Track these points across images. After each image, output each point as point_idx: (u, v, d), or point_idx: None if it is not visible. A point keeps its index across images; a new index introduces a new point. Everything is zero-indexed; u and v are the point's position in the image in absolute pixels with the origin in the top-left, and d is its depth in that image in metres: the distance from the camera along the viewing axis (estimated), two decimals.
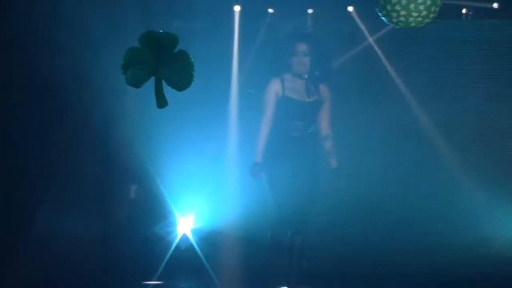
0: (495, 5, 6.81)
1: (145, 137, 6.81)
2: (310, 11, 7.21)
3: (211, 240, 7.09)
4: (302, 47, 5.95)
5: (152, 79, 3.71)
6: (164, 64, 3.64)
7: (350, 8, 7.11)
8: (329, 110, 6.03)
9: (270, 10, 7.29)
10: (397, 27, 4.43)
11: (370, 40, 7.03)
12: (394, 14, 4.33)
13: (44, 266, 6.03)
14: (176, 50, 3.69)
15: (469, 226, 6.96)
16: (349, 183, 6.33)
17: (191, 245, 7.01)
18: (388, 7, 4.34)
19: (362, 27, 7.05)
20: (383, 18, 4.44)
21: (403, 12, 4.29)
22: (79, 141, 6.49)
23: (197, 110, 7.10)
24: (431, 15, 4.35)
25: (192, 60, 3.66)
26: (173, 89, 3.78)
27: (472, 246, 6.97)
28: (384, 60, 7.01)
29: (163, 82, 3.71)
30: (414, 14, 4.28)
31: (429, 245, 6.94)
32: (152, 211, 7.07)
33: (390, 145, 7.01)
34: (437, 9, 4.38)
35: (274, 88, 5.99)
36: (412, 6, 4.26)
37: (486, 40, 6.95)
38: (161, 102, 3.69)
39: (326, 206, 6.58)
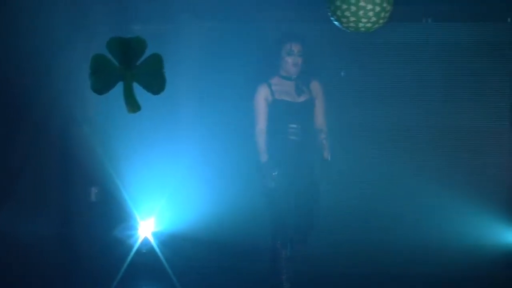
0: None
1: (106, 139, 6.75)
2: None
3: (172, 243, 7.06)
4: (297, 47, 5.89)
5: (120, 84, 3.70)
6: (137, 69, 3.63)
7: None
8: (323, 106, 5.97)
9: None
10: (348, 31, 4.47)
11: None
12: (344, 20, 4.38)
13: (1, 267, 5.94)
14: (146, 54, 3.68)
15: (428, 227, 6.97)
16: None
17: (152, 248, 6.96)
18: (338, 13, 4.39)
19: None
20: (335, 22, 4.48)
21: (352, 18, 4.35)
22: (40, 143, 6.42)
23: (158, 112, 7.05)
24: (381, 21, 4.41)
25: (162, 63, 3.65)
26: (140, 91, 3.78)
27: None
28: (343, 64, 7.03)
29: (135, 87, 3.71)
30: (364, 20, 4.34)
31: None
32: (113, 214, 7.01)
33: (350, 147, 7.02)
34: (387, 14, 4.44)
35: (263, 94, 5.91)
36: (361, 12, 4.31)
37: (446, 43, 6.98)
38: (133, 106, 3.67)
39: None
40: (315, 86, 5.96)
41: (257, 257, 6.43)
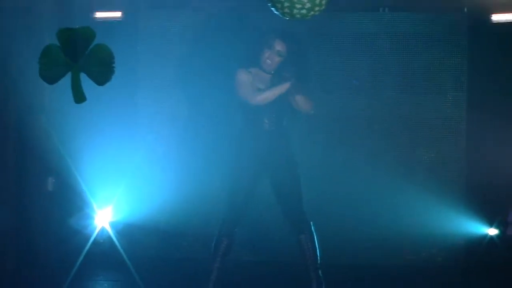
0: None
1: (63, 128, 6.70)
2: None
3: (129, 233, 7.04)
4: (279, 45, 5.78)
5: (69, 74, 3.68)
6: (83, 59, 3.61)
7: None
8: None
9: None
10: (286, 18, 4.33)
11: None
12: (279, 5, 4.24)
13: None
14: (94, 44, 3.66)
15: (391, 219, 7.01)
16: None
17: (109, 238, 6.94)
18: None
19: None
20: (272, 8, 4.36)
21: (286, 4, 4.20)
22: None
23: (116, 100, 7.02)
24: (317, 8, 4.25)
25: (112, 53, 3.63)
26: (93, 83, 3.76)
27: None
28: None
29: (83, 78, 3.69)
30: (298, 6, 4.19)
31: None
32: (69, 204, 6.97)
33: (308, 137, 7.02)
34: (323, 1, 4.31)
35: (244, 75, 5.78)
36: None
37: (402, 33, 6.99)
38: (79, 97, 3.65)
39: None
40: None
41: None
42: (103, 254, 6.96)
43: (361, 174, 7.00)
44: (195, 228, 7.05)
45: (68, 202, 6.95)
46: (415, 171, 7.02)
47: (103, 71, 3.59)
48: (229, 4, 7.03)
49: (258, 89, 5.77)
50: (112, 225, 6.99)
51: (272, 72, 5.79)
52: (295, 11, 4.25)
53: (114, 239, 6.88)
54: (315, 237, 5.81)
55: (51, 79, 3.64)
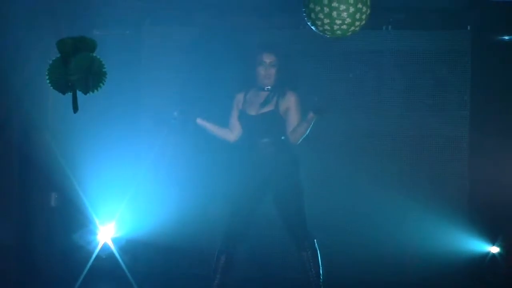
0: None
1: (66, 144, 6.70)
2: None
3: (132, 249, 7.03)
4: (269, 58, 5.78)
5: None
6: (69, 68, 3.62)
7: None
8: (295, 118, 5.76)
9: None
10: (327, 36, 4.40)
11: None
12: (319, 23, 4.30)
13: None
14: (82, 54, 3.66)
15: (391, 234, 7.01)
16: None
17: (111, 254, 6.93)
18: (312, 16, 4.33)
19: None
20: (312, 27, 4.41)
21: (326, 21, 4.26)
22: None
23: (118, 116, 7.04)
24: (357, 23, 4.34)
25: (102, 63, 3.63)
26: (97, 95, 3.77)
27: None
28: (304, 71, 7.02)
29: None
30: (338, 22, 4.25)
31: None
32: (72, 219, 6.96)
33: (311, 154, 7.01)
34: (363, 16, 4.35)
35: (236, 102, 5.95)
36: (334, 13, 4.23)
37: (406, 51, 7.00)
38: (73, 107, 3.67)
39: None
40: (288, 97, 5.78)
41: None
42: (106, 270, 6.94)
43: (364, 191, 6.99)
44: (197, 245, 7.03)
45: (70, 217, 6.95)
46: (418, 189, 7.01)
47: (86, 80, 3.61)
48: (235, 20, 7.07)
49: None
50: (115, 241, 6.98)
51: (269, 87, 5.79)
52: (336, 27, 4.28)
53: (117, 255, 6.87)
54: (319, 254, 5.82)
55: (63, 90, 3.67)
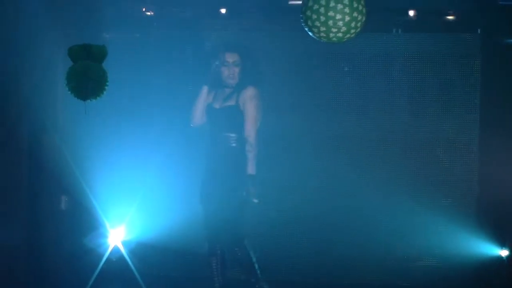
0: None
1: (75, 146, 6.71)
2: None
3: (142, 252, 7.04)
4: (232, 57, 5.93)
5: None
6: (69, 76, 3.64)
7: None
8: (251, 114, 5.95)
9: None
10: (322, 41, 4.51)
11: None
12: (315, 30, 4.41)
13: None
14: (79, 62, 3.69)
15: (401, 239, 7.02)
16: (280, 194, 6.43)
17: (122, 257, 6.94)
18: (309, 23, 4.41)
19: None
20: (309, 33, 4.50)
21: (323, 28, 4.38)
22: (8, 150, 6.37)
23: (127, 119, 7.05)
24: (352, 31, 4.42)
25: (101, 70, 3.65)
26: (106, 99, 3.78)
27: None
28: (312, 74, 7.03)
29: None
30: (334, 30, 4.36)
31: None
32: (82, 222, 6.97)
33: (322, 157, 7.03)
34: (359, 24, 4.45)
35: (204, 96, 6.11)
36: (330, 22, 4.32)
37: (416, 54, 7.00)
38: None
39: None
40: (246, 93, 5.98)
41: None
42: (116, 272, 6.96)
43: (371, 194, 7.00)
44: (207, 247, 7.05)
45: (80, 220, 6.96)
46: (427, 192, 7.01)
47: (89, 86, 3.64)
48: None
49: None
50: (125, 244, 6.99)
51: (234, 85, 5.99)
52: (331, 35, 4.40)
53: (127, 258, 6.89)
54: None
55: (83, 97, 3.70)
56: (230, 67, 5.95)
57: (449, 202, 6.97)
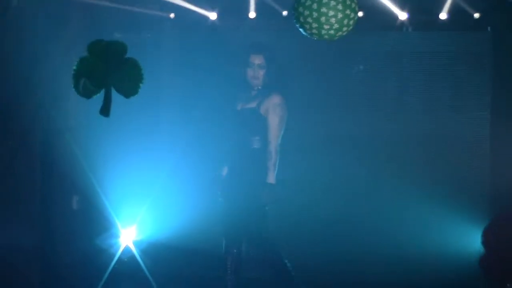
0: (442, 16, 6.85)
1: (88, 147, 6.75)
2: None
3: (153, 251, 7.05)
4: (258, 59, 5.89)
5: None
6: (113, 72, 3.64)
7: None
8: (275, 121, 5.86)
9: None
10: (314, 38, 4.46)
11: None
12: (307, 26, 4.38)
13: None
14: (125, 57, 3.70)
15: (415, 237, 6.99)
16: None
17: (133, 256, 6.96)
18: (301, 19, 4.39)
19: None
20: (300, 29, 4.48)
21: (314, 25, 4.34)
22: (21, 152, 6.42)
23: (139, 119, 7.07)
24: (344, 28, 4.39)
25: (141, 68, 3.68)
26: (119, 98, 3.80)
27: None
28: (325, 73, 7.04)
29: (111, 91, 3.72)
30: (326, 26, 4.33)
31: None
32: (94, 223, 7.00)
33: (334, 157, 7.03)
34: (351, 22, 4.41)
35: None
36: (323, 19, 4.30)
37: (426, 52, 7.01)
38: (107, 111, 3.69)
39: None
40: (271, 100, 5.88)
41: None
42: (127, 272, 6.97)
43: (383, 192, 7.01)
44: (218, 247, 7.04)
45: (92, 221, 6.99)
46: (438, 191, 6.99)
47: (131, 84, 3.64)
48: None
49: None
50: (136, 244, 7.01)
51: (260, 87, 5.91)
52: (323, 32, 4.37)
53: (138, 257, 6.90)
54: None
55: (89, 95, 3.70)
56: (255, 69, 5.91)
57: (460, 201, 6.93)
